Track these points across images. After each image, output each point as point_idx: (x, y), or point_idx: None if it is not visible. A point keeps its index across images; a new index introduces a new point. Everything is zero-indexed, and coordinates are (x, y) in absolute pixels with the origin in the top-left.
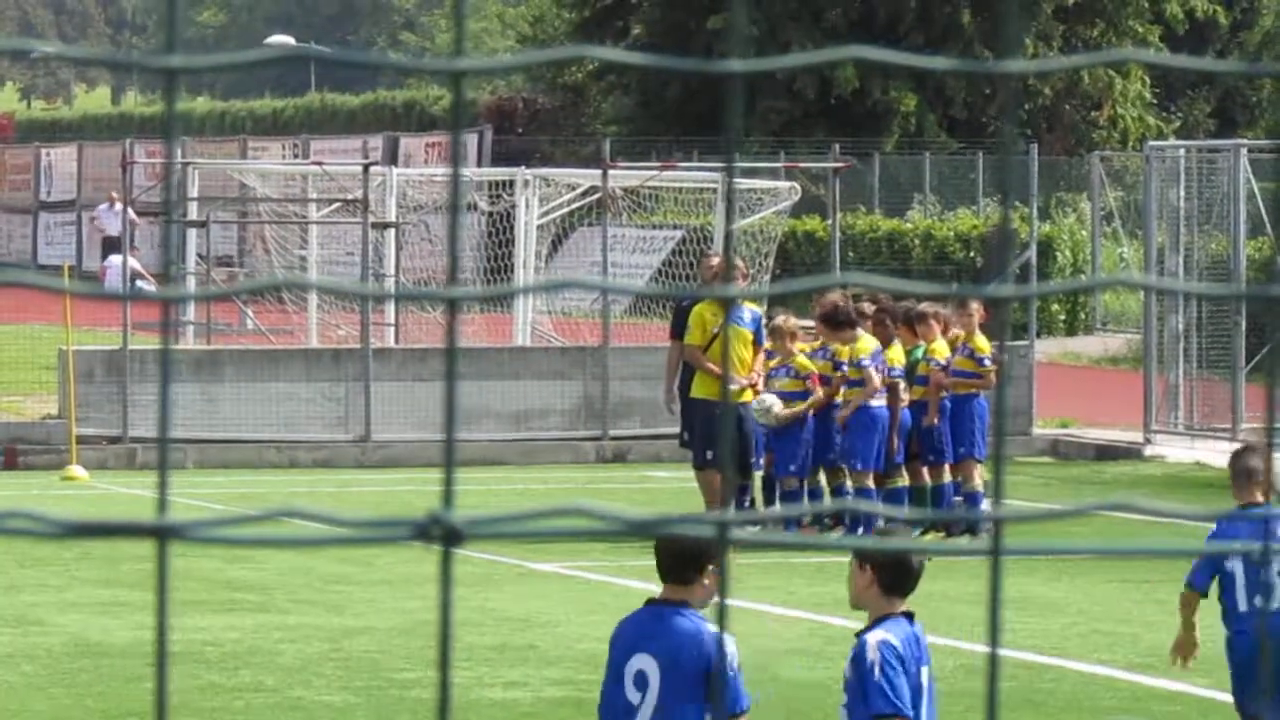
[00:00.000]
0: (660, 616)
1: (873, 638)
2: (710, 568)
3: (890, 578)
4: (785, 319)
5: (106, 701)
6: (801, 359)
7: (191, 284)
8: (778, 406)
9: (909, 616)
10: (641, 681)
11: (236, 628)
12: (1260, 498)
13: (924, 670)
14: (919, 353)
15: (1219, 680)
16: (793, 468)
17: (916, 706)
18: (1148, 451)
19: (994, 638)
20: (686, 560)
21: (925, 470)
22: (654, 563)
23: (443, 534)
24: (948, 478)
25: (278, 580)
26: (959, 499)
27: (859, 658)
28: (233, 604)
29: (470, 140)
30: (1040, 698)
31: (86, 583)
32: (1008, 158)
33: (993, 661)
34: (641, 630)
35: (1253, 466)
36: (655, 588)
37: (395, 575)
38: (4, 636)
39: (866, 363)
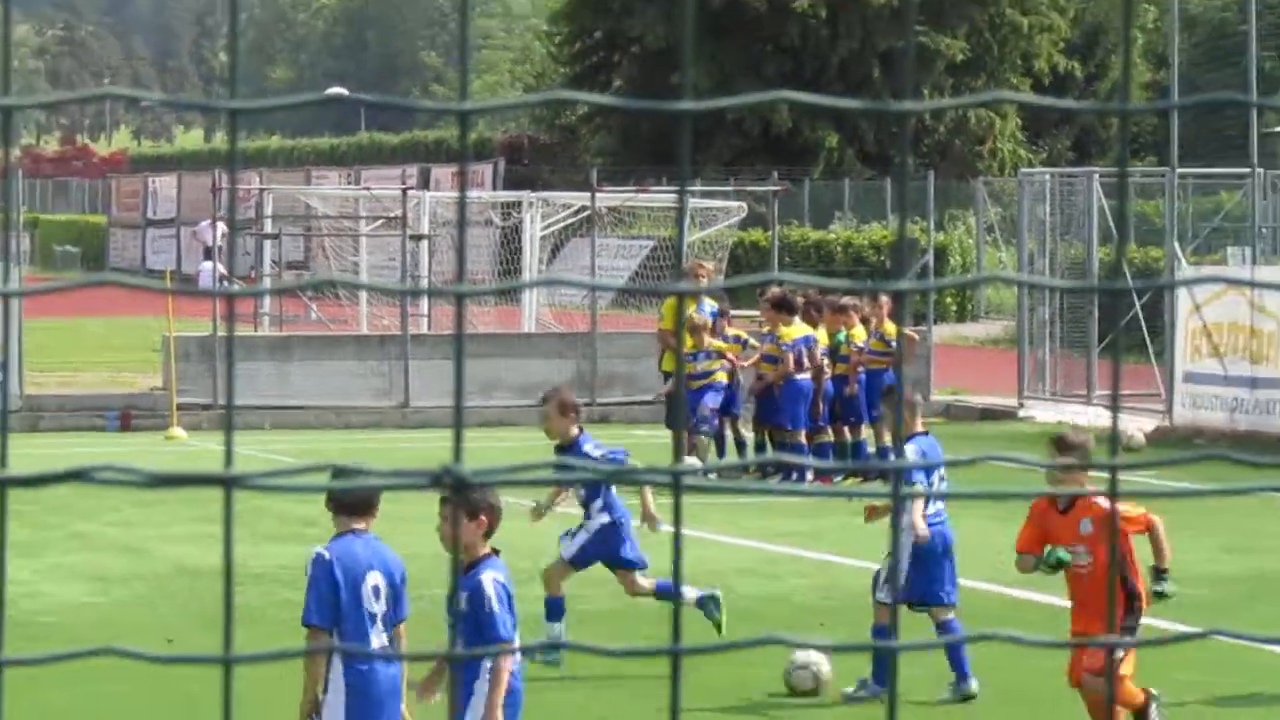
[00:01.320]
0: (369, 542)
1: (486, 577)
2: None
3: (493, 526)
4: (693, 314)
5: (200, 613)
6: (717, 344)
7: (267, 284)
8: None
9: (497, 553)
10: (377, 593)
11: (301, 553)
12: None
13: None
14: (841, 336)
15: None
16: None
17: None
18: (1021, 413)
19: (896, 558)
20: (374, 501)
21: (846, 429)
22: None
23: (452, 482)
24: (864, 435)
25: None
26: (872, 451)
27: (478, 594)
28: (302, 536)
29: (486, 170)
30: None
31: (186, 519)
32: (904, 182)
33: (894, 571)
34: (370, 552)
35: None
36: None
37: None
38: (121, 561)
39: (787, 346)
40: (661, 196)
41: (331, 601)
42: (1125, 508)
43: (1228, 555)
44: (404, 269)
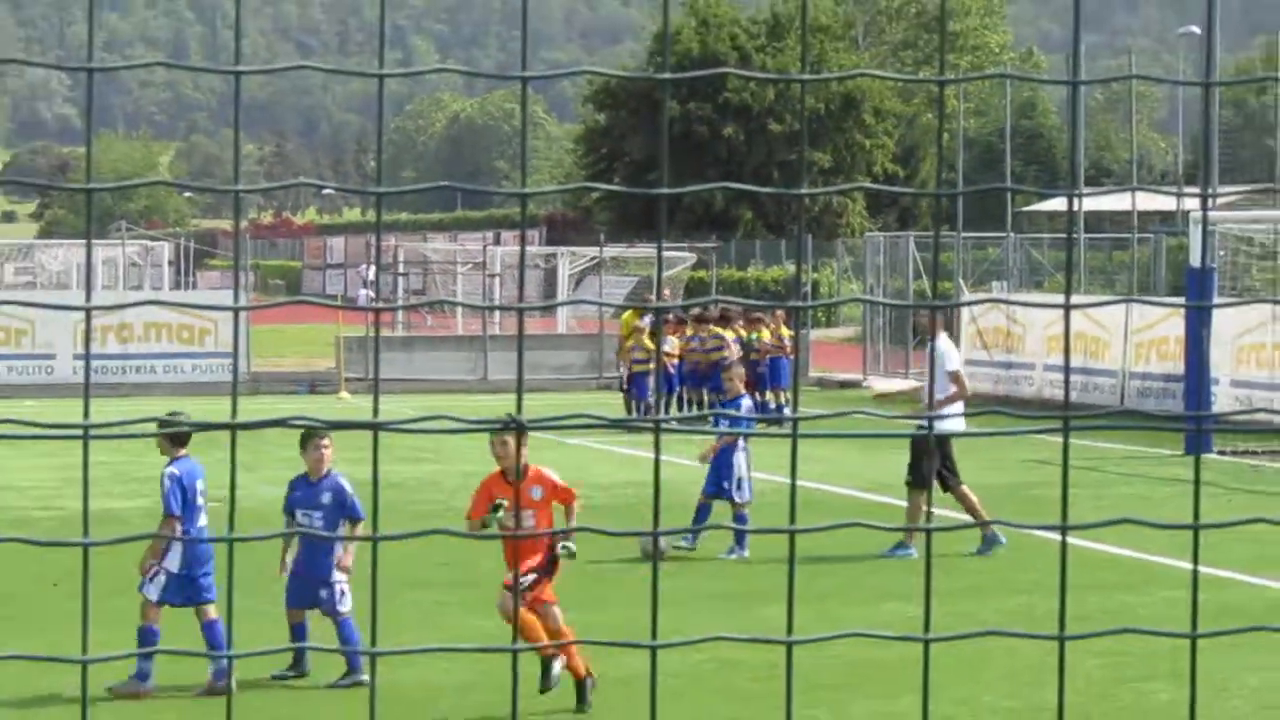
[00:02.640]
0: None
1: (169, 470)
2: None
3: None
4: (638, 322)
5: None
6: (646, 342)
7: (400, 303)
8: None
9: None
10: (204, 492)
11: (419, 472)
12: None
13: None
14: (754, 336)
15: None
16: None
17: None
18: (864, 384)
19: (793, 487)
20: (188, 436)
21: (757, 394)
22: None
23: (515, 425)
24: (769, 398)
25: (443, 445)
26: (774, 408)
27: (340, 491)
28: (421, 459)
29: (535, 233)
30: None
31: (349, 449)
32: (799, 239)
33: (792, 495)
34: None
35: None
36: (624, 450)
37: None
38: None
39: (735, 341)
40: (643, 250)
41: (181, 498)
42: (558, 479)
43: (993, 471)
44: (484, 294)
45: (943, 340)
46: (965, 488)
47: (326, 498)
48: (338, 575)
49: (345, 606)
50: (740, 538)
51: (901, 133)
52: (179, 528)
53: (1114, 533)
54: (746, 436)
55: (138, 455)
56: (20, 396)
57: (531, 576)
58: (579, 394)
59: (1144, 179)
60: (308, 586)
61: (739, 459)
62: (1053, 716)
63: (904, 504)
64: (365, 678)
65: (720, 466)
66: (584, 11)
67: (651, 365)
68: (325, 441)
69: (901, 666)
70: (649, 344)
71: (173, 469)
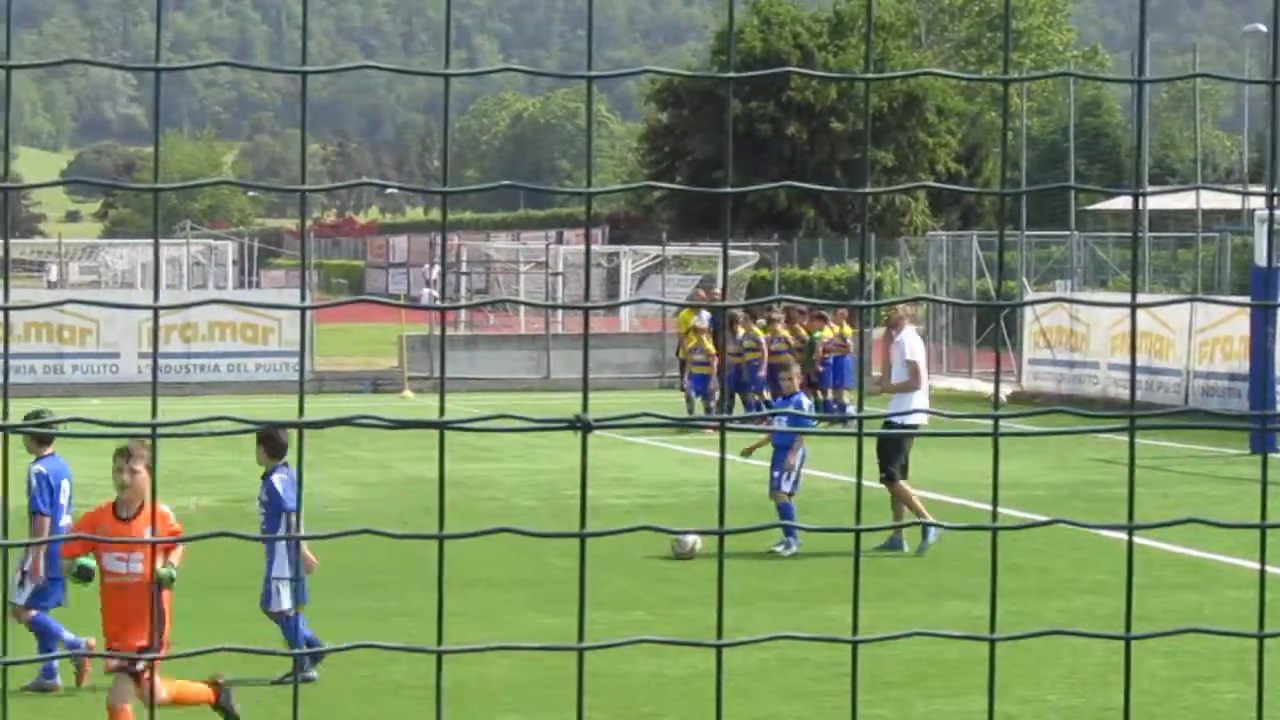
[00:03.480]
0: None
1: (277, 477)
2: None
3: (272, 448)
4: (696, 321)
5: (420, 505)
6: (708, 344)
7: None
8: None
9: (287, 465)
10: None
11: (486, 469)
12: None
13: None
14: (817, 334)
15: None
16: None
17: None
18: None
19: (858, 486)
20: (285, 446)
21: (817, 392)
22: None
23: (582, 424)
24: (831, 396)
25: (505, 443)
26: (835, 407)
27: (272, 489)
28: (484, 457)
29: (598, 232)
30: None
31: (412, 447)
32: (864, 239)
33: (857, 494)
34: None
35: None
36: (684, 449)
37: (570, 443)
38: (371, 473)
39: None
40: (705, 249)
41: (49, 497)
42: (174, 521)
43: (1057, 471)
44: (547, 293)
45: (908, 332)
46: (902, 485)
47: (264, 495)
48: (276, 573)
49: (275, 606)
50: (789, 529)
51: (964, 131)
52: (48, 525)
53: (1178, 532)
54: (803, 436)
55: (199, 454)
56: (85, 395)
57: (142, 659)
58: (641, 393)
59: (1208, 177)
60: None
61: (794, 456)
62: (1116, 716)
63: (964, 502)
64: (314, 675)
65: (776, 461)
66: (647, 10)
67: (711, 367)
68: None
69: (964, 666)
70: (710, 346)
71: (39, 466)
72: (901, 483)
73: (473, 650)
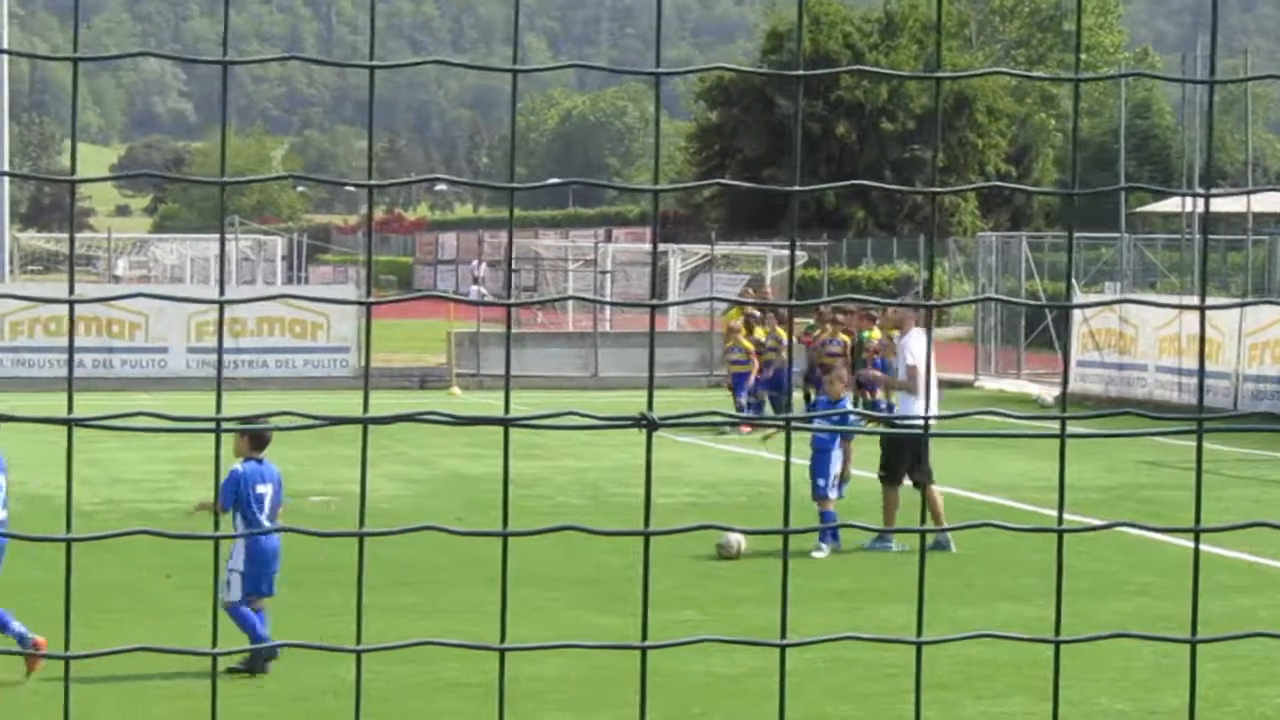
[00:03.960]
0: (264, 463)
1: (240, 466)
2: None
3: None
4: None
5: (469, 501)
6: (744, 342)
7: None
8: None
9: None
10: (263, 497)
11: (535, 467)
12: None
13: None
14: (864, 334)
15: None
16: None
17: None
18: (976, 384)
19: (921, 486)
20: (266, 441)
21: (865, 393)
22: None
23: (649, 422)
24: (880, 396)
25: (552, 440)
26: (884, 407)
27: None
28: (531, 455)
29: (646, 230)
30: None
31: (461, 444)
32: (931, 237)
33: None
34: (261, 472)
35: None
36: (733, 449)
37: (618, 441)
38: (421, 470)
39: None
40: (754, 248)
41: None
42: None
43: (1108, 473)
44: (596, 291)
45: (914, 334)
46: (934, 489)
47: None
48: (231, 564)
49: (225, 596)
50: (826, 533)
51: (1014, 132)
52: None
53: (1233, 536)
54: (847, 438)
55: None
56: (134, 390)
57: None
58: (689, 391)
59: (1259, 180)
60: None
61: (836, 457)
62: (1166, 719)
63: (1018, 505)
64: (268, 668)
65: (818, 467)
66: (696, 9)
67: (750, 365)
68: None
69: (1013, 667)
70: (746, 344)
71: (239, 466)
72: (931, 487)
73: (535, 649)
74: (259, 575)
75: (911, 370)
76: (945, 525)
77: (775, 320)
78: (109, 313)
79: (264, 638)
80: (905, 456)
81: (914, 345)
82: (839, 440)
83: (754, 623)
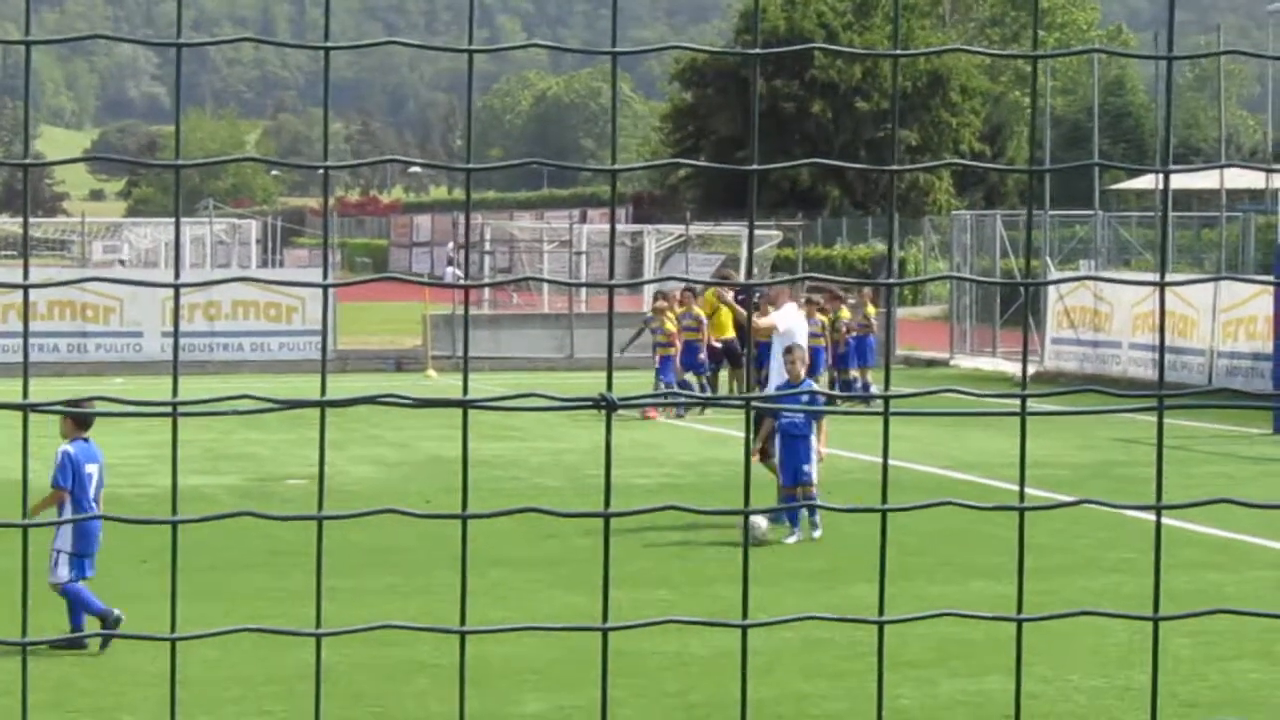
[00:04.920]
0: (90, 443)
1: (67, 447)
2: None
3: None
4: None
5: (444, 484)
6: (667, 324)
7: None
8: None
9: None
10: (91, 476)
11: (510, 449)
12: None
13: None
14: (836, 314)
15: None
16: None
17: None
18: (951, 362)
19: (884, 466)
20: (90, 422)
21: (838, 372)
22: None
23: (607, 404)
24: (855, 376)
25: (528, 422)
26: (860, 388)
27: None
28: (507, 436)
29: (622, 211)
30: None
31: (435, 426)
32: (892, 216)
33: (884, 474)
34: (88, 452)
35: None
36: (710, 429)
37: (595, 423)
38: (394, 452)
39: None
40: (727, 228)
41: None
42: None
43: (1081, 450)
44: (570, 272)
45: (787, 309)
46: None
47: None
48: (58, 545)
49: (54, 577)
50: (814, 516)
51: (988, 111)
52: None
53: (1202, 512)
54: (816, 419)
55: (225, 433)
56: (109, 374)
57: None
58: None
59: (1232, 156)
60: None
61: (814, 443)
62: (1139, 696)
63: (991, 482)
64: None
65: (799, 453)
66: None
67: (673, 347)
68: None
69: (989, 645)
70: (670, 325)
71: (71, 448)
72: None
73: (496, 631)
74: (84, 557)
75: (770, 326)
76: (924, 503)
77: (693, 300)
78: (83, 297)
79: (105, 610)
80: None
81: (787, 317)
82: (815, 425)
83: (728, 602)
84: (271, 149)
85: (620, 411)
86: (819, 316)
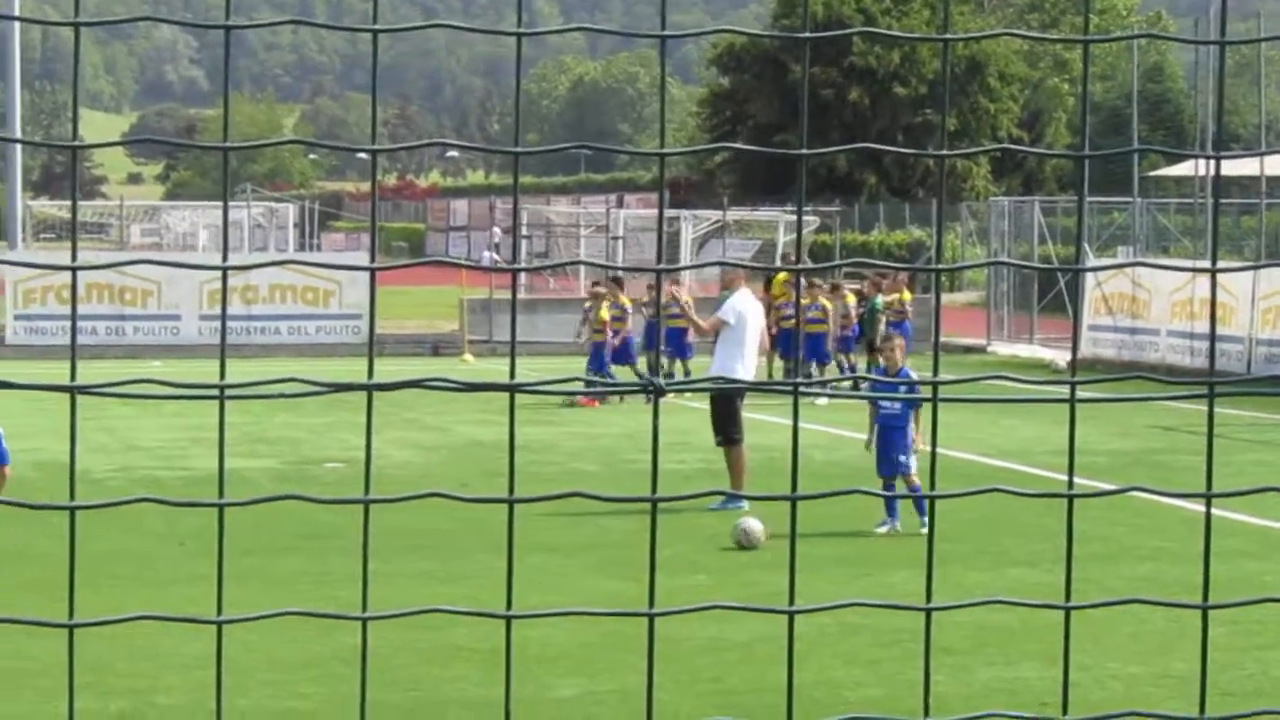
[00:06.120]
0: None
1: None
2: None
3: None
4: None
5: (481, 468)
6: (601, 313)
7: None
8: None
9: None
10: None
11: (548, 433)
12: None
13: None
14: (875, 302)
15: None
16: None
17: None
18: (988, 349)
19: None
20: None
21: (882, 358)
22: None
23: (655, 388)
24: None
25: (570, 410)
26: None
27: None
28: (543, 420)
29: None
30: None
31: (473, 410)
32: (941, 201)
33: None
34: None
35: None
36: (746, 415)
37: (631, 407)
38: (433, 436)
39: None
40: (766, 214)
41: None
42: None
43: (1120, 438)
44: (607, 257)
45: (741, 293)
46: (744, 448)
47: None
48: None
49: None
50: (920, 507)
51: (1026, 97)
52: None
53: (1243, 500)
54: (913, 409)
55: (263, 416)
56: (147, 357)
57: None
58: (701, 357)
59: (1272, 143)
60: None
61: (912, 433)
62: (1176, 684)
63: (1030, 470)
64: None
65: (897, 443)
66: None
67: (604, 335)
68: None
69: (1024, 633)
70: (603, 314)
71: None
72: (741, 446)
73: (542, 615)
74: None
75: (717, 321)
76: (743, 489)
77: (619, 289)
78: (122, 280)
79: None
80: (729, 413)
81: (737, 303)
82: (911, 415)
83: (764, 588)
84: (308, 133)
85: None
86: (823, 301)
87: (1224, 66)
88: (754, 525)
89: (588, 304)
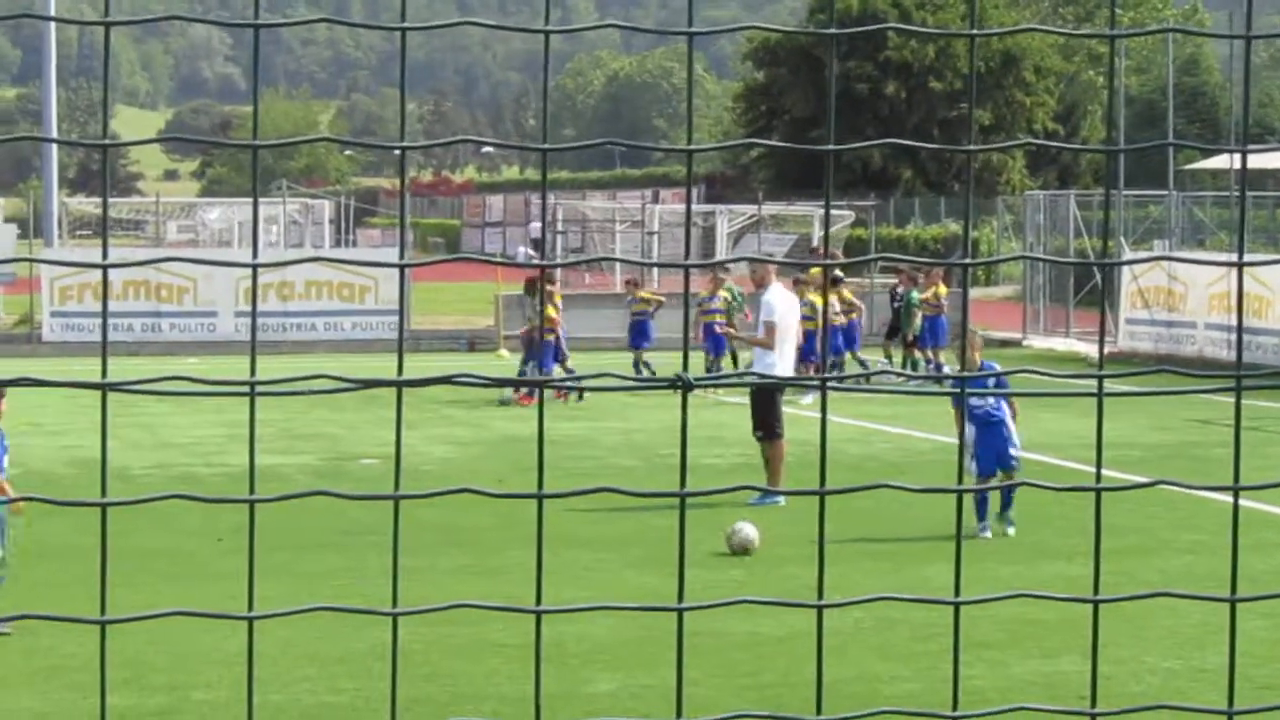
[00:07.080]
0: None
1: None
2: None
3: None
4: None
5: (517, 463)
6: (550, 310)
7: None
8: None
9: None
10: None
11: (583, 429)
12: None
13: None
14: (910, 296)
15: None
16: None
17: None
18: (1024, 343)
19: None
20: None
21: (918, 352)
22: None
23: (683, 384)
24: (930, 355)
25: (599, 401)
26: (934, 369)
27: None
28: (578, 416)
29: (695, 191)
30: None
31: (513, 406)
32: (969, 197)
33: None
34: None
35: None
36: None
37: (666, 402)
38: (469, 432)
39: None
40: (801, 208)
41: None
42: None
43: (1156, 431)
44: (643, 252)
45: (774, 289)
46: (783, 443)
47: None
48: None
49: None
50: (982, 513)
51: (1062, 90)
52: None
53: (1276, 492)
54: (1009, 402)
55: (300, 412)
56: (183, 354)
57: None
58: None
59: None
60: None
61: (1012, 425)
62: (1213, 677)
63: (1063, 463)
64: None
65: (1000, 438)
66: None
67: (553, 334)
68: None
69: (1062, 627)
70: (551, 311)
71: None
72: (781, 441)
73: (571, 610)
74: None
75: (769, 326)
76: (780, 485)
77: (637, 287)
78: (158, 277)
79: None
80: (770, 407)
81: (773, 300)
82: (1007, 408)
83: (800, 582)
84: (345, 129)
85: (693, 392)
86: (811, 297)
87: (1249, 60)
88: (748, 531)
89: (628, 297)
